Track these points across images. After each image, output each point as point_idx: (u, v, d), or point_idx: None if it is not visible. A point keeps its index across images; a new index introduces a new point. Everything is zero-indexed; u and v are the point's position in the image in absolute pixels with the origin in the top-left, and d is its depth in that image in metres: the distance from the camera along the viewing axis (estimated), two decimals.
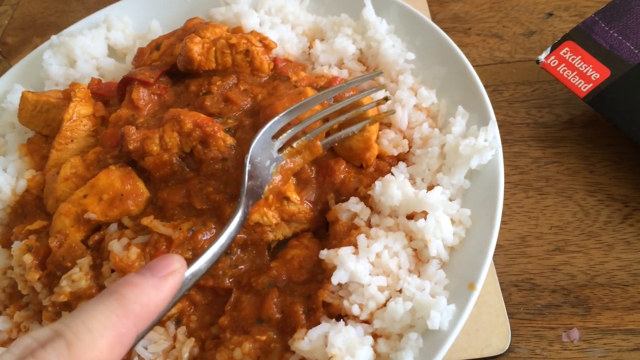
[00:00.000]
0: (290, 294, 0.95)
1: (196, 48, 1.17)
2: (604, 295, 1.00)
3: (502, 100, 1.28)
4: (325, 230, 1.06)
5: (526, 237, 1.09)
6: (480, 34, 1.40)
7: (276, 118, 1.01)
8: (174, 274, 0.67)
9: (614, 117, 1.06)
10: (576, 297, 1.01)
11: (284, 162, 1.02)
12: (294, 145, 1.03)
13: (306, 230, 1.05)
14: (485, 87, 1.29)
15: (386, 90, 1.14)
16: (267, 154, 1.01)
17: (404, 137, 1.12)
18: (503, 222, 1.11)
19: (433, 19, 1.45)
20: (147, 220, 1.01)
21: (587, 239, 1.07)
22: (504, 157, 1.18)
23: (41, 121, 1.24)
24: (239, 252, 1.02)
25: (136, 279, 0.63)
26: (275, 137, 1.02)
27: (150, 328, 0.67)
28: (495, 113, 1.24)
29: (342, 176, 1.05)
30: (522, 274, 1.05)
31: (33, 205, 1.15)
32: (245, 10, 1.31)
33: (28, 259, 1.00)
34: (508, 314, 1.01)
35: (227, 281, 0.99)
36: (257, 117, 1.10)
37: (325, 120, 1.07)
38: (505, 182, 1.16)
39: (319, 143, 1.05)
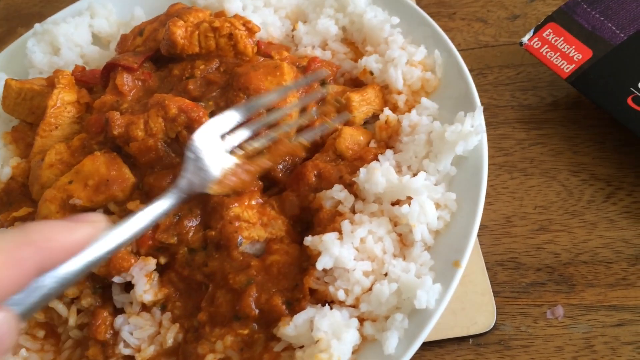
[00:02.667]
0: (267, 291, 0.94)
1: (179, 32, 1.16)
2: (588, 272, 1.02)
3: (487, 83, 1.28)
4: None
5: (511, 217, 1.10)
6: (465, 18, 1.41)
7: (227, 112, 1.01)
8: (90, 223, 0.66)
9: (597, 97, 1.07)
10: (560, 275, 1.02)
11: (238, 162, 1.00)
12: (254, 145, 1.02)
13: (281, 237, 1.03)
14: (470, 70, 1.29)
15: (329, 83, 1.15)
16: (216, 150, 0.98)
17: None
18: (488, 203, 1.12)
19: (418, 4, 1.45)
20: (133, 205, 1.00)
21: (571, 218, 1.08)
22: (489, 140, 1.18)
23: (25, 109, 1.23)
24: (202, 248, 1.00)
25: (48, 221, 0.62)
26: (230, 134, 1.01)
27: (73, 278, 0.65)
28: (481, 96, 1.25)
29: (314, 176, 1.04)
30: (507, 253, 1.06)
31: (18, 193, 1.14)
32: None
33: None
34: (493, 292, 1.02)
35: (199, 275, 0.98)
36: (231, 89, 1.10)
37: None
38: (490, 164, 1.17)
39: (287, 141, 1.04)
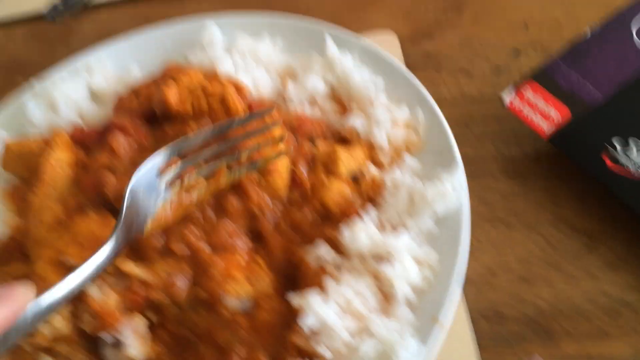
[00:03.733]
0: (253, 349, 0.97)
1: (173, 95, 1.21)
2: (568, 325, 1.04)
3: (471, 135, 1.32)
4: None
5: (494, 269, 1.13)
6: (451, 71, 1.45)
7: (163, 150, 1.05)
8: (10, 299, 0.66)
9: (577, 156, 1.10)
10: (541, 326, 1.05)
11: (174, 196, 1.05)
12: (186, 180, 1.06)
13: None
14: (455, 122, 1.34)
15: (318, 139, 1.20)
16: (153, 188, 1.03)
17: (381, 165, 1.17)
18: (471, 254, 1.14)
19: (405, 58, 1.50)
20: (122, 264, 1.03)
21: (553, 270, 1.11)
22: (472, 190, 1.22)
23: (24, 168, 1.27)
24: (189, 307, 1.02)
25: None
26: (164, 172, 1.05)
27: None
28: (465, 147, 1.29)
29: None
30: (491, 305, 1.09)
31: (14, 251, 1.17)
32: (219, 54, 1.36)
33: None
34: (478, 344, 1.04)
35: (188, 333, 1.01)
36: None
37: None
38: (474, 215, 1.19)
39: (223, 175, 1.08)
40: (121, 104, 1.32)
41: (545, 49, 1.43)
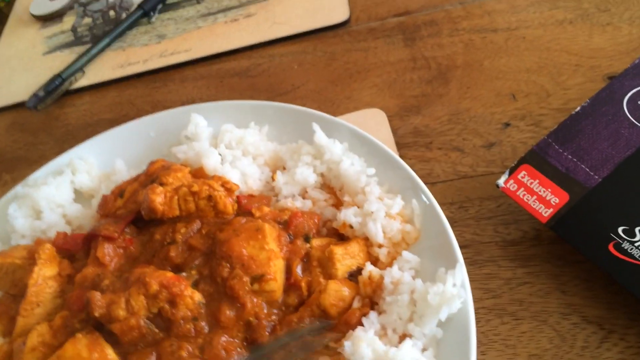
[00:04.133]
0: None
1: (158, 199, 1.17)
2: None
3: (469, 217, 1.28)
4: None
5: None
6: (442, 147, 1.42)
7: None
8: None
9: (578, 244, 1.06)
10: None
11: None
12: None
13: None
14: (451, 204, 1.31)
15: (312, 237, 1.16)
16: None
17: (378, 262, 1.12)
18: (481, 353, 1.10)
19: (394, 134, 1.47)
20: None
21: None
22: (476, 280, 1.19)
23: (8, 282, 1.22)
24: None
25: None
26: None
27: None
28: (463, 231, 1.26)
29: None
30: None
31: None
32: (205, 149, 1.32)
33: None
34: None
35: None
36: (214, 257, 1.10)
37: None
38: (479, 307, 1.16)
39: None
40: (106, 205, 1.28)
41: (534, 119, 1.41)
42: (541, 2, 1.65)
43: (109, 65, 1.93)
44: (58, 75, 1.89)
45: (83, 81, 1.91)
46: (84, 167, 1.43)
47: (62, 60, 1.99)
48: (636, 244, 1.00)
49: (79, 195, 1.42)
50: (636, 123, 1.13)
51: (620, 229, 1.02)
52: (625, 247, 1.01)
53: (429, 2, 1.76)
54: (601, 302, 1.10)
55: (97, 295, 1.05)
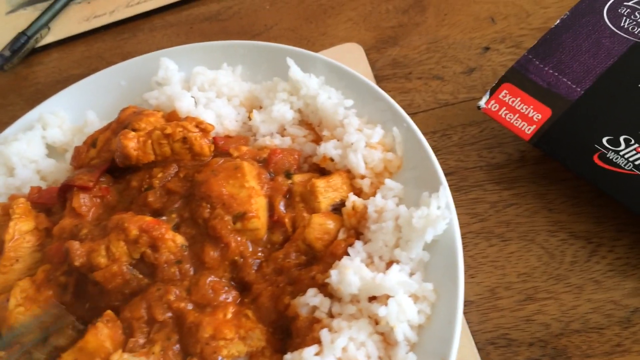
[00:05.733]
0: None
1: (131, 144, 1.13)
2: (582, 342, 0.98)
3: (452, 144, 1.26)
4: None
5: (495, 288, 1.07)
6: (422, 77, 1.39)
7: None
8: None
9: (562, 158, 1.04)
10: (554, 348, 0.99)
11: None
12: None
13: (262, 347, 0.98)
14: (434, 132, 1.29)
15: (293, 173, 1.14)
16: None
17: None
18: (470, 276, 1.09)
19: (372, 67, 1.43)
20: (116, 357, 0.95)
21: (556, 283, 1.05)
22: (462, 206, 1.17)
23: None
24: None
25: None
26: None
27: None
28: (448, 159, 1.24)
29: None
30: (497, 329, 1.03)
31: None
32: (177, 92, 1.28)
33: None
34: None
35: None
36: (194, 199, 1.07)
37: None
38: (467, 232, 1.14)
39: None
40: (79, 156, 1.23)
41: (515, 41, 1.37)
42: None
43: (74, 19, 1.85)
44: (23, 33, 1.81)
45: (49, 37, 1.84)
46: (55, 122, 1.38)
47: (26, 18, 1.90)
48: (621, 153, 0.98)
49: (52, 151, 1.38)
50: (617, 31, 1.09)
51: (604, 139, 1.00)
52: (610, 157, 0.99)
53: None
54: (588, 217, 1.09)
55: (75, 244, 1.03)
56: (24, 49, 1.81)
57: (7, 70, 1.81)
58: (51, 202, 1.21)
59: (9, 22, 1.94)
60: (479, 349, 1.01)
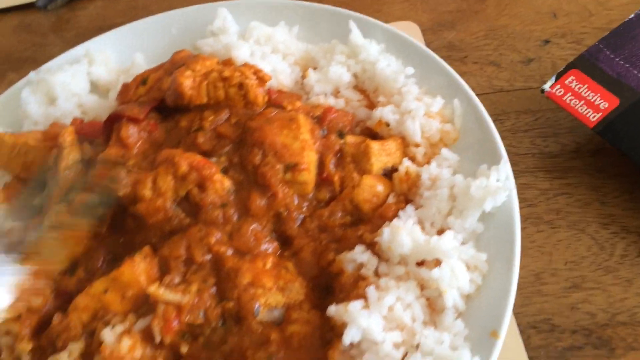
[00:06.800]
0: None
1: (187, 82, 1.10)
2: (627, 334, 0.96)
3: (505, 130, 1.24)
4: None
5: (540, 274, 1.04)
6: (477, 62, 1.37)
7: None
8: None
9: (626, 147, 1.02)
10: (598, 337, 0.96)
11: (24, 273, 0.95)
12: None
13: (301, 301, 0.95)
14: None
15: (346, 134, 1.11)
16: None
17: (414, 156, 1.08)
18: None
19: (428, 47, 1.41)
20: (153, 289, 0.92)
21: (605, 274, 1.02)
22: None
23: (19, 164, 1.16)
24: (220, 324, 0.92)
25: None
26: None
27: None
28: None
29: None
30: (540, 314, 1.00)
31: None
32: (234, 41, 1.26)
33: (15, 327, 0.91)
34: (529, 358, 0.95)
35: (218, 357, 0.89)
36: (245, 145, 1.04)
37: None
38: None
39: None
40: (127, 94, 1.21)
41: (576, 38, 1.36)
42: None
43: None
44: None
45: None
46: (102, 59, 1.36)
47: None
48: None
49: (95, 88, 1.35)
50: None
51: None
52: None
53: None
54: None
55: (122, 172, 1.00)
56: None
57: (49, 11, 1.79)
58: (92, 134, 1.18)
59: None
60: (520, 331, 0.98)
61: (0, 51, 1.73)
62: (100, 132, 1.16)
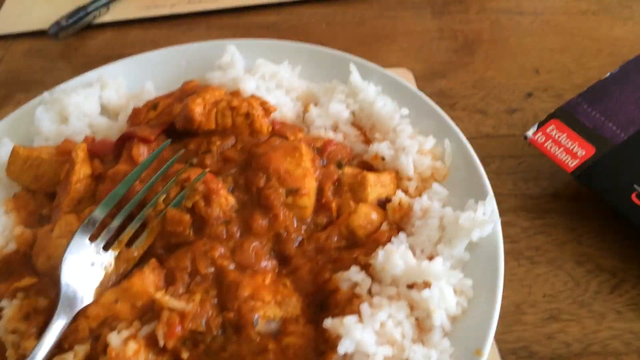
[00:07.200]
0: None
1: (198, 109, 1.18)
2: None
3: (490, 172, 1.31)
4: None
5: (521, 305, 1.11)
6: (466, 109, 1.47)
7: (92, 212, 1.03)
8: None
9: (601, 192, 1.12)
10: None
11: (113, 258, 1.03)
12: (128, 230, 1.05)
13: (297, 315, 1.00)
14: None
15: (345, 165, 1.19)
16: (89, 256, 1.02)
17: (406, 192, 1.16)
18: None
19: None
20: (159, 295, 0.97)
21: (580, 308, 1.10)
22: None
23: (30, 176, 1.21)
24: (220, 333, 0.97)
25: None
26: (94, 237, 1.03)
27: None
28: None
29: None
30: (519, 341, 1.07)
31: (19, 263, 1.10)
32: (241, 75, 1.34)
33: (22, 326, 0.95)
34: None
35: None
36: (250, 168, 1.11)
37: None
38: None
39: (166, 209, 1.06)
40: (137, 117, 1.28)
41: (556, 92, 1.47)
42: None
43: (134, 5, 1.93)
44: (83, 8, 1.88)
45: (106, 17, 1.91)
46: (113, 85, 1.43)
47: None
48: None
49: (105, 111, 1.42)
50: None
51: None
52: None
53: None
54: (615, 254, 1.15)
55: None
56: (81, 22, 1.87)
57: (60, 39, 1.87)
58: (103, 152, 1.24)
59: None
60: (501, 357, 1.04)
61: (9, 73, 1.79)
62: (111, 150, 1.22)
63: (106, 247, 1.03)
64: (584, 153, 1.15)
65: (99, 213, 1.03)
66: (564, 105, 1.23)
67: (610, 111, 1.19)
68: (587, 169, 1.14)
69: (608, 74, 1.27)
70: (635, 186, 1.08)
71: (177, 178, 1.08)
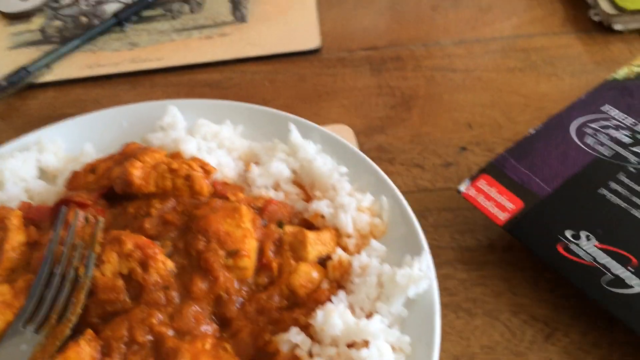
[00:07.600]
0: None
1: (137, 172, 1.18)
2: None
3: (428, 225, 1.37)
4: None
5: (460, 357, 1.14)
6: (404, 163, 1.52)
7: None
8: None
9: (530, 244, 1.16)
10: None
11: (44, 338, 1.01)
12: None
13: None
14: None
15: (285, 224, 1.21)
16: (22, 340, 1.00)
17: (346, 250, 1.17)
18: None
19: (361, 149, 1.55)
20: None
21: (516, 358, 1.13)
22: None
23: None
24: None
25: None
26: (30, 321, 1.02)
27: None
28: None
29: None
30: None
31: None
32: (183, 136, 1.36)
33: None
34: None
35: None
36: (190, 231, 1.12)
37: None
38: None
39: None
40: (76, 181, 1.27)
41: (488, 146, 1.54)
42: (495, 51, 1.83)
43: (77, 65, 1.94)
44: (23, 68, 1.88)
45: (48, 77, 1.90)
46: (52, 148, 1.42)
47: (28, 55, 1.97)
48: (582, 246, 1.12)
49: (43, 174, 1.40)
50: (582, 146, 1.27)
51: (567, 232, 1.14)
52: (572, 248, 1.12)
53: (395, 41, 1.90)
54: (547, 303, 1.20)
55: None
56: (22, 82, 1.86)
57: (0, 99, 1.84)
58: (39, 218, 1.22)
59: (10, 56, 2.00)
60: None
61: None
62: (47, 216, 1.20)
63: (37, 330, 1.01)
64: (513, 207, 1.20)
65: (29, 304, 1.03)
66: (493, 160, 1.29)
67: (536, 166, 1.25)
68: (517, 222, 1.19)
69: (532, 129, 1.34)
70: (560, 237, 1.14)
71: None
